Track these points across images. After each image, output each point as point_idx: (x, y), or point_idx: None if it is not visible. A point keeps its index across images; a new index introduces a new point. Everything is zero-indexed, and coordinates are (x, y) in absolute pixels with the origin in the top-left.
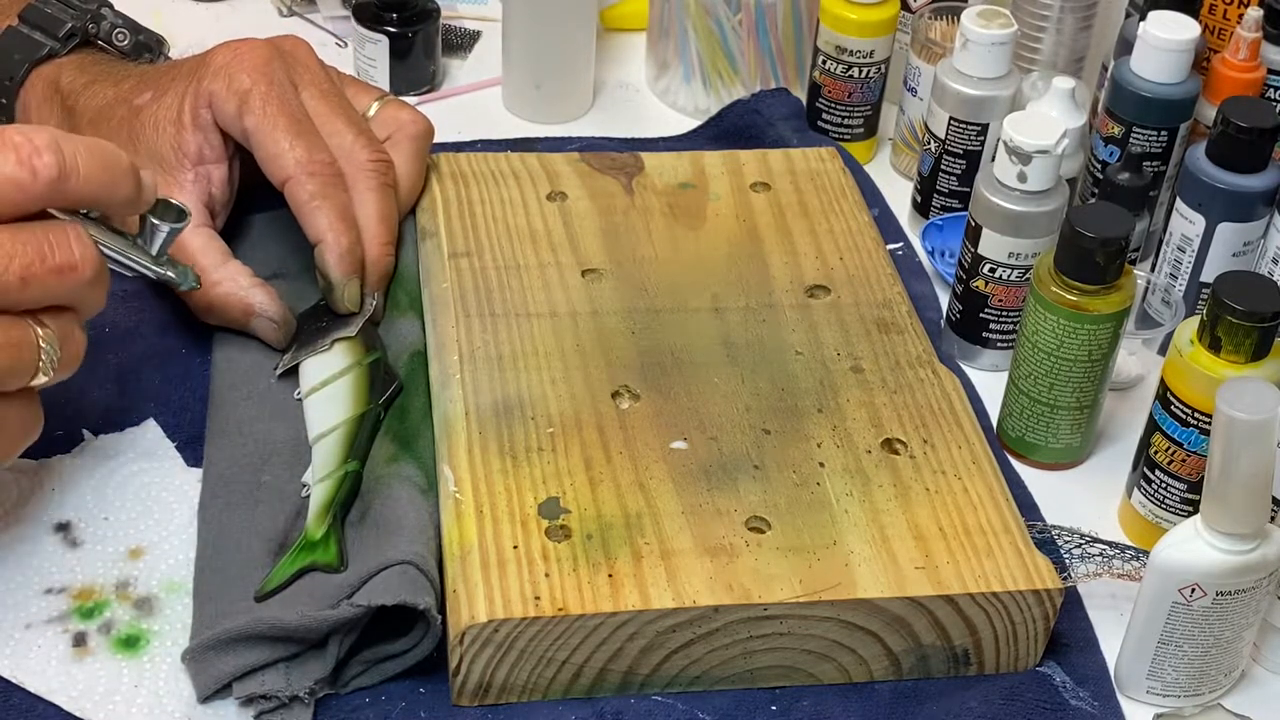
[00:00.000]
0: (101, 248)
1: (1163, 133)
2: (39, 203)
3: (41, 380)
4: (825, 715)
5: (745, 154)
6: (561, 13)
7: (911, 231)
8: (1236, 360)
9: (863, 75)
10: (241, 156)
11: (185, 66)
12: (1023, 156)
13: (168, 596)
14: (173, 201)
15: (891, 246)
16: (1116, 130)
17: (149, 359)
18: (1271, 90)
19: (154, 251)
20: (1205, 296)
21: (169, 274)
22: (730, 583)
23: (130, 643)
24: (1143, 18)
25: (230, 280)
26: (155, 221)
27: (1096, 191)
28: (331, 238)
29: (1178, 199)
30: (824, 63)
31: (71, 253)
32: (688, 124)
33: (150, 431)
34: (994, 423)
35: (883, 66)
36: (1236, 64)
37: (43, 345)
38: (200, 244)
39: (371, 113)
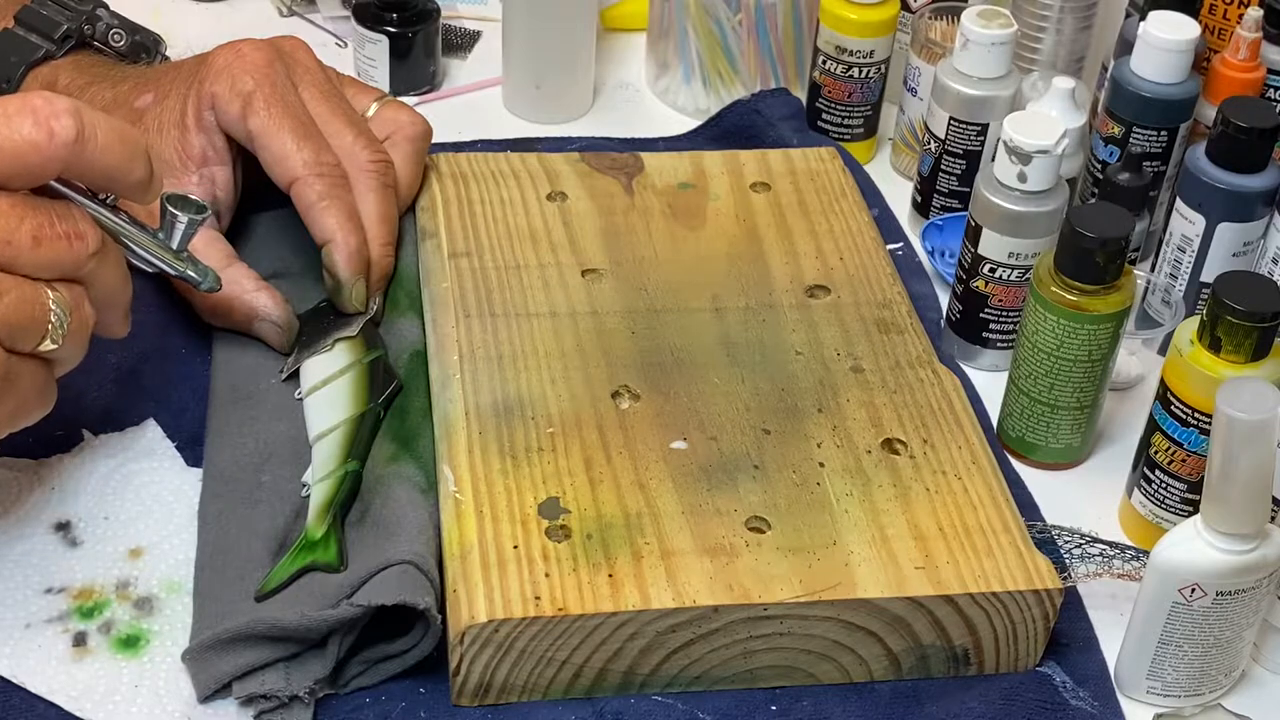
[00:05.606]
0: (123, 239)
1: (1163, 133)
2: (55, 165)
3: (50, 346)
4: (825, 715)
5: (745, 154)
6: (561, 13)
7: (911, 231)
8: (1236, 360)
9: (863, 75)
10: (243, 157)
11: (185, 68)
12: (1023, 156)
13: (168, 596)
14: (190, 196)
15: (891, 246)
16: (1116, 130)
17: (149, 359)
18: (1271, 90)
19: (174, 245)
20: (1205, 296)
21: (190, 273)
22: (730, 583)
23: (130, 643)
24: (1143, 18)
25: (235, 283)
26: (175, 213)
27: (1096, 191)
28: (341, 237)
29: (1178, 199)
30: (824, 63)
31: (76, 223)
32: (688, 124)
33: (150, 431)
34: (994, 423)
35: (883, 66)
36: (1236, 64)
37: (53, 307)
38: (205, 246)
39: (370, 113)
